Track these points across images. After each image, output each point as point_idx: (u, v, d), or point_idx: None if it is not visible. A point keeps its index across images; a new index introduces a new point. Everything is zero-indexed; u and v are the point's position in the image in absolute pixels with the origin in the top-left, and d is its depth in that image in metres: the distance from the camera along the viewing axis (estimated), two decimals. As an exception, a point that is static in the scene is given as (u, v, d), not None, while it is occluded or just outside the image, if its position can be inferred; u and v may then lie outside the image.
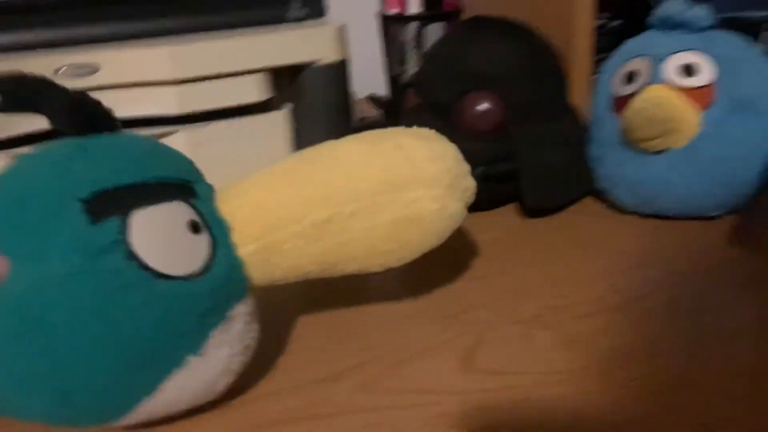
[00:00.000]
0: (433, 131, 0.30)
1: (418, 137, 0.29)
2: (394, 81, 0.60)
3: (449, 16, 0.57)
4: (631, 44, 0.41)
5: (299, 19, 0.47)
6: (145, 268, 0.22)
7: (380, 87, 0.64)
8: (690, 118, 0.37)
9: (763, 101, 0.37)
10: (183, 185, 0.25)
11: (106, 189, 0.23)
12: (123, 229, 0.22)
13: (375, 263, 0.29)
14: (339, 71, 0.46)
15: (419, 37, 0.57)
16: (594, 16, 0.48)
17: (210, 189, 0.27)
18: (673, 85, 0.38)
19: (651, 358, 0.28)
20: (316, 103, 0.47)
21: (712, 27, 0.39)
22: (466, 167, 0.30)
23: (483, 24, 0.43)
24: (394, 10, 0.57)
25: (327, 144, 0.29)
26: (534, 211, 0.43)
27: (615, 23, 0.65)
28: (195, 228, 0.25)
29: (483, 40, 0.41)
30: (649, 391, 0.26)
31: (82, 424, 0.24)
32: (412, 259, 0.29)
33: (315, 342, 0.32)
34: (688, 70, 0.38)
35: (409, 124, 0.35)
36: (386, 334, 0.32)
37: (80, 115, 0.25)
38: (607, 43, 0.53)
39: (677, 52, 0.38)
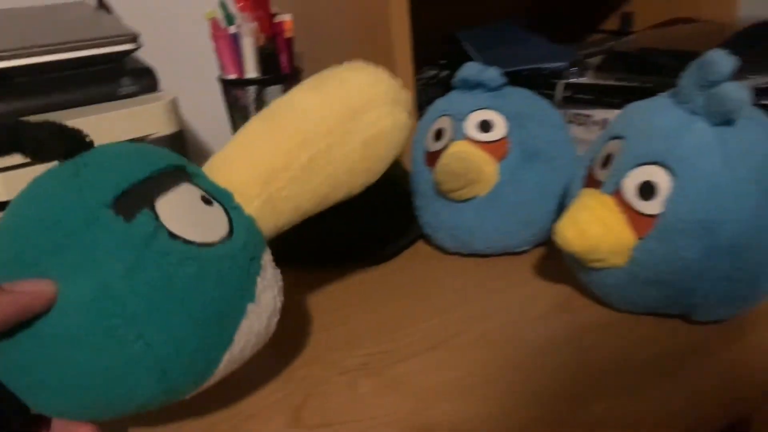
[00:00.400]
0: (361, 63, 0.34)
1: (353, 69, 0.33)
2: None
3: (287, 78, 0.60)
4: (438, 104, 0.46)
5: (131, 95, 0.49)
6: (188, 242, 0.26)
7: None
8: (489, 169, 0.42)
9: (550, 149, 0.43)
10: (180, 170, 0.28)
11: (125, 189, 0.25)
12: (156, 217, 0.25)
13: (357, 183, 0.33)
14: (174, 142, 0.48)
15: (259, 99, 0.60)
16: (413, 75, 0.53)
17: (198, 168, 0.30)
18: (472, 140, 0.42)
19: (465, 391, 0.32)
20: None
21: (505, 85, 0.45)
22: (397, 81, 0.34)
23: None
24: (232, 75, 0.59)
25: (280, 100, 0.32)
26: (370, 260, 0.46)
27: (444, 73, 0.71)
28: (207, 201, 0.28)
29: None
30: (462, 421, 0.30)
31: (180, 392, 0.27)
32: (383, 171, 0.34)
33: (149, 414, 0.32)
34: (485, 126, 0.42)
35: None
36: (221, 399, 0.33)
37: (60, 143, 0.27)
38: (438, 92, 0.58)
39: (475, 110, 0.43)
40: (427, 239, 0.48)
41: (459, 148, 0.42)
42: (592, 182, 0.36)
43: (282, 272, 0.45)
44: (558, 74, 0.57)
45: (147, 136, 0.47)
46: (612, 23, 0.79)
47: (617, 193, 0.34)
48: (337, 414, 0.31)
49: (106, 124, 0.45)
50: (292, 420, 0.31)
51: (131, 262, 0.24)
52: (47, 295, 0.23)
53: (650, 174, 0.32)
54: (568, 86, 0.52)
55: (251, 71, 0.59)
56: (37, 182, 0.27)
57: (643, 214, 0.33)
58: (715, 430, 0.32)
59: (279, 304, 0.31)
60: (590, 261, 0.35)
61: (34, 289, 0.23)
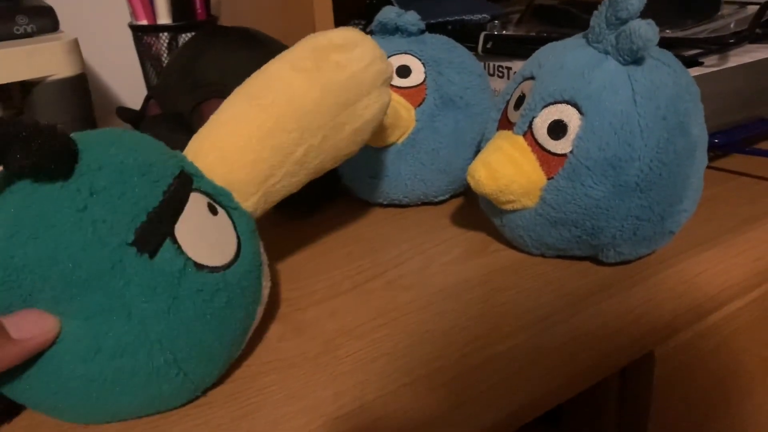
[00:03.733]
0: (352, 31, 0.31)
1: (346, 48, 0.31)
2: (155, 92, 0.59)
3: (202, 25, 0.57)
4: (356, 49, 0.45)
5: (29, 35, 0.45)
6: (214, 270, 0.25)
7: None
8: (407, 115, 0.41)
9: (466, 95, 0.42)
10: (184, 177, 0.26)
11: (143, 221, 0.23)
12: (179, 246, 0.24)
13: (338, 162, 0.32)
14: (76, 85, 0.45)
15: (172, 47, 0.57)
16: (331, 25, 0.51)
17: (194, 166, 0.28)
18: (390, 85, 0.41)
19: (373, 331, 0.31)
20: (54, 119, 0.45)
21: (423, 32, 0.44)
22: (382, 53, 0.32)
23: (217, 34, 0.44)
24: (143, 21, 0.56)
25: (270, 77, 0.30)
26: (289, 212, 0.45)
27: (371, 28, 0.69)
28: (212, 209, 0.26)
29: (215, 50, 0.42)
30: (369, 361, 0.29)
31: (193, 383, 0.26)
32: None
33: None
34: (403, 71, 0.41)
35: (149, 134, 0.36)
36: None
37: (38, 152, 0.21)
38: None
39: (393, 54, 0.42)
40: (346, 191, 0.47)
41: (375, 92, 0.41)
42: (505, 124, 0.36)
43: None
44: (481, 27, 0.56)
45: (46, 77, 0.44)
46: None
47: (529, 133, 0.33)
48: (242, 357, 0.30)
49: (1, 64, 0.42)
50: (193, 364, 0.30)
51: (166, 303, 0.23)
52: (52, 335, 0.23)
53: (560, 113, 0.32)
54: (488, 38, 0.51)
55: (163, 17, 0.56)
56: (24, 208, 0.22)
57: (553, 154, 0.33)
58: (620, 364, 0.32)
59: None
60: (502, 202, 0.34)
61: (41, 332, 0.22)
